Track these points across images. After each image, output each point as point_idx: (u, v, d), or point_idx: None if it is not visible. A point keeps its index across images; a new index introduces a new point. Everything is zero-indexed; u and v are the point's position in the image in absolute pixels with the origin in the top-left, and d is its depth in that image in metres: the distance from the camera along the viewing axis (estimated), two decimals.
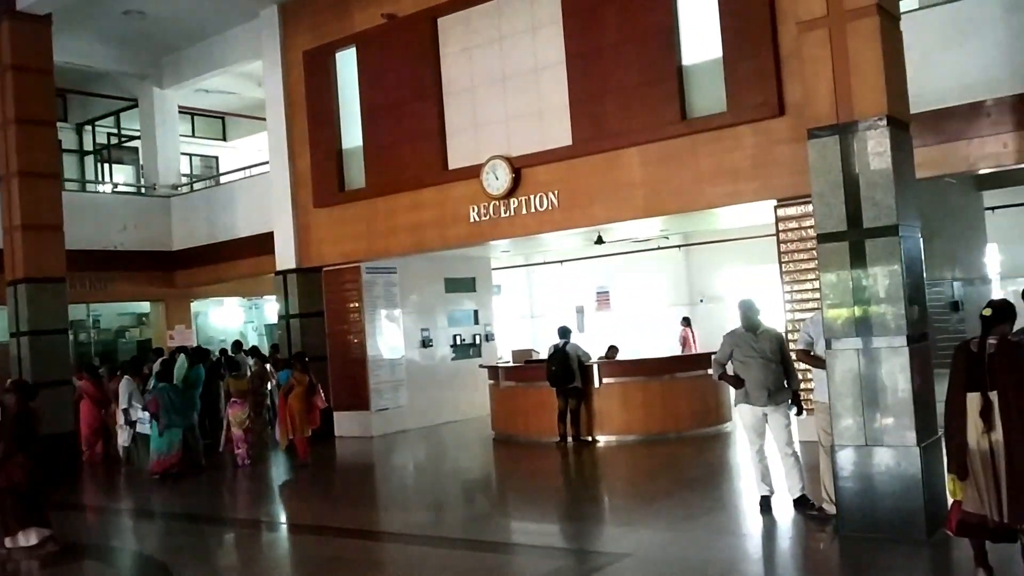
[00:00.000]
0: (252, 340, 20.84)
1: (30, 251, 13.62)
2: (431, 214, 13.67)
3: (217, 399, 14.04)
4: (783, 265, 11.02)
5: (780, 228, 11.02)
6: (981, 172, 10.78)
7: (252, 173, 18.16)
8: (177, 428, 11.97)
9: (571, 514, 8.99)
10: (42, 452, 8.49)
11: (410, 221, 13.92)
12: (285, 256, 15.57)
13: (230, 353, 15.28)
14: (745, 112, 10.76)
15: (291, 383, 12.54)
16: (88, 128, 21.31)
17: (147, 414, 12.27)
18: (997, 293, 13.92)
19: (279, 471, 12.69)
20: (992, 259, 15.00)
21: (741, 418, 7.95)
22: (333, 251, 15.07)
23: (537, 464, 11.83)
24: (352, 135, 14.78)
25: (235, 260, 17.29)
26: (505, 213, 12.84)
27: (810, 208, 7.56)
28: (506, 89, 12.92)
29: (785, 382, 7.71)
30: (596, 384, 12.44)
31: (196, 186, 19.95)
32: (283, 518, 10.08)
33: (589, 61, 12.01)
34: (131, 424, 13.33)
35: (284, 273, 15.58)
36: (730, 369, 7.80)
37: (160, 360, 13.97)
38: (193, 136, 22.21)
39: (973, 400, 5.28)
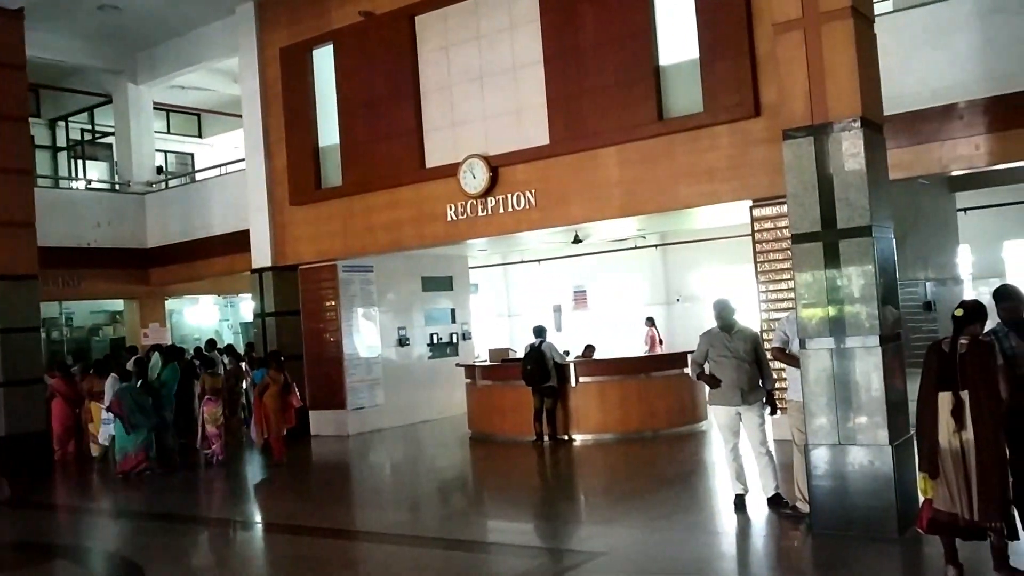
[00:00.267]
0: (228, 338, 20.69)
1: (2, 248, 13.42)
2: (408, 212, 13.64)
3: (192, 398, 13.92)
4: (758, 265, 11.09)
5: (756, 228, 11.08)
6: (954, 174, 10.92)
7: (228, 170, 17.98)
8: (143, 428, 11.85)
9: (547, 513, 9.01)
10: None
11: (387, 219, 13.88)
12: (261, 254, 15.47)
13: (204, 352, 15.19)
14: (721, 113, 10.82)
15: (266, 382, 12.47)
16: (62, 124, 21.01)
17: (111, 415, 12.16)
18: (969, 294, 14.07)
19: (254, 470, 12.64)
20: (964, 260, 15.17)
21: (716, 417, 7.99)
22: (309, 249, 14.99)
23: (513, 463, 11.83)
24: (329, 133, 14.71)
25: (210, 258, 17.12)
26: (482, 212, 12.84)
27: (785, 208, 7.59)
28: (483, 88, 12.91)
29: (760, 382, 7.75)
30: (572, 383, 12.46)
31: (171, 183, 19.77)
32: (258, 517, 10.02)
33: (567, 60, 12.03)
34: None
35: (260, 271, 15.49)
36: (707, 368, 7.84)
37: (134, 359, 13.86)
38: (168, 133, 21.99)
39: (944, 399, 5.34)
